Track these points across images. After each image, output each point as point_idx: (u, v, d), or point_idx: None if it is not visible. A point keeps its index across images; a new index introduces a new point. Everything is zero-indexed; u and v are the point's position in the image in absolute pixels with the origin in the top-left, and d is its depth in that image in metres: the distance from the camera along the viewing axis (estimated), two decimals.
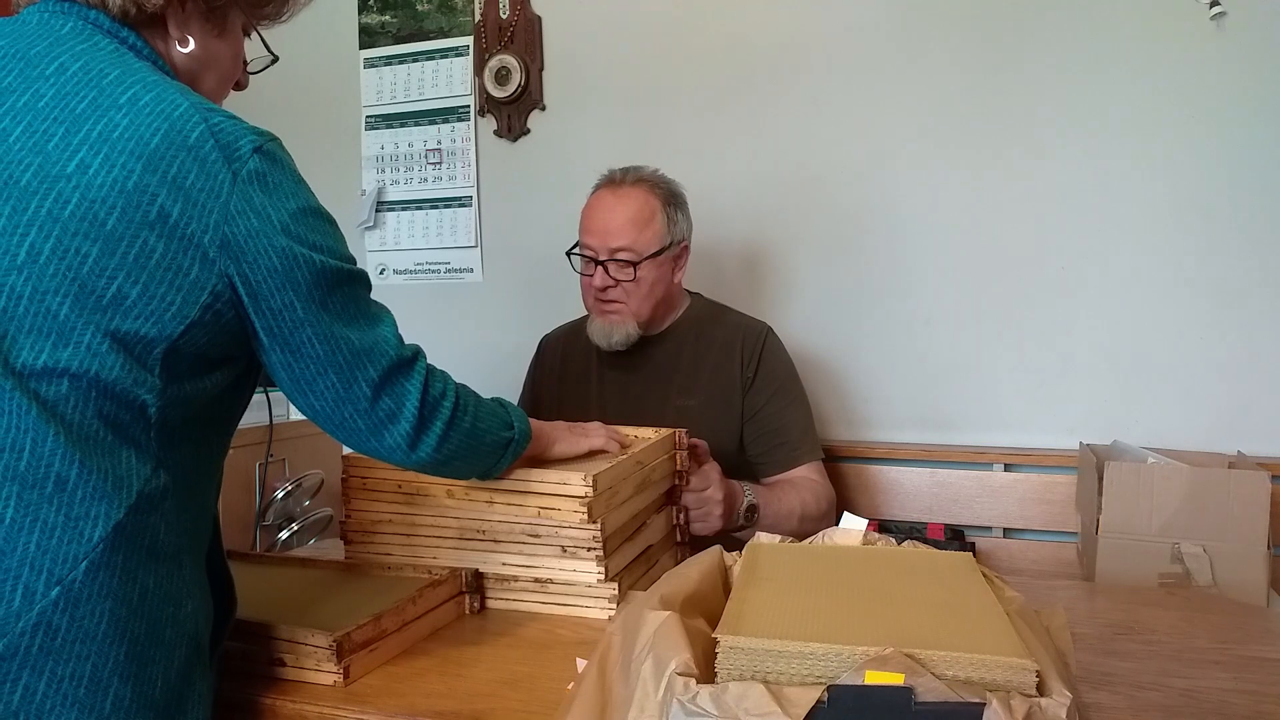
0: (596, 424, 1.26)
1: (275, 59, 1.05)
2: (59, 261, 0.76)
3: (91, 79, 0.81)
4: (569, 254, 1.70)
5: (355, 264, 0.91)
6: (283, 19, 1.04)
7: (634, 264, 1.62)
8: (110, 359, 0.77)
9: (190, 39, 0.91)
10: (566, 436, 1.19)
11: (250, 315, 0.84)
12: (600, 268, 1.63)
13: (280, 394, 2.32)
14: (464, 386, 1.00)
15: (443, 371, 0.98)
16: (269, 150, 0.84)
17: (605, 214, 1.64)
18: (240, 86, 1.03)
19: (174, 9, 0.89)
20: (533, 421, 1.12)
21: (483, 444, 1.02)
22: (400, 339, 0.93)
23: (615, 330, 1.67)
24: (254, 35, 1.02)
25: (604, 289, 1.64)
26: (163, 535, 0.81)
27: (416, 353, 0.94)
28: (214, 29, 0.94)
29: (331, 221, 0.90)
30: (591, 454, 1.21)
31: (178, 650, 0.81)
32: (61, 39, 0.83)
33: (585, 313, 1.83)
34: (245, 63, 1.03)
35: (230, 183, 0.81)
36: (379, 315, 0.92)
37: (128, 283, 0.78)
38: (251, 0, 0.98)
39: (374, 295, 0.94)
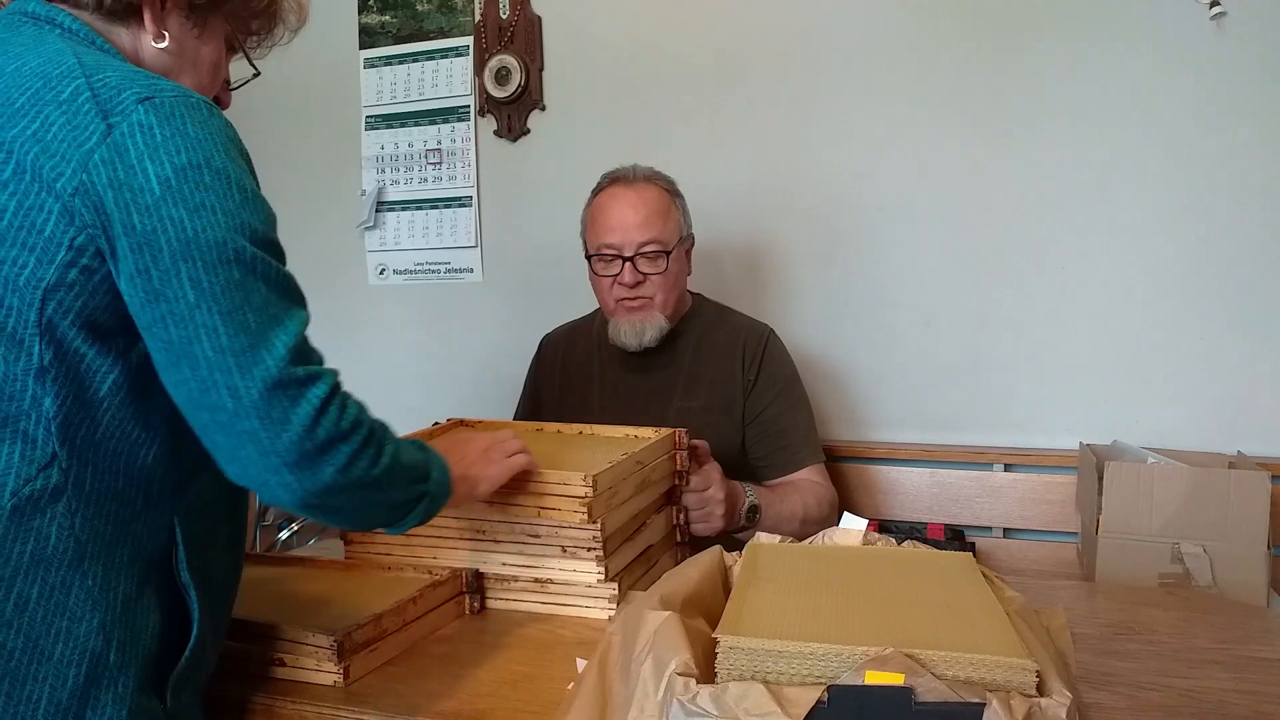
0: (508, 436, 1.12)
1: (257, 74, 1.00)
2: None
3: (13, 70, 0.77)
4: (588, 257, 1.67)
5: (268, 247, 0.79)
6: (273, 41, 1.00)
7: (665, 254, 1.61)
8: None
9: (166, 34, 0.88)
10: (488, 472, 1.06)
11: (116, 277, 0.75)
12: (628, 265, 1.60)
13: None
14: (380, 424, 0.85)
15: (358, 403, 0.82)
16: (162, 103, 0.76)
17: (626, 210, 1.62)
18: (221, 105, 0.97)
19: (150, 1, 0.86)
20: (451, 463, 0.98)
21: (386, 497, 0.86)
22: (298, 353, 0.77)
23: (648, 327, 1.64)
24: (241, 52, 0.98)
25: (635, 285, 1.61)
26: (54, 541, 0.74)
27: (315, 376, 0.77)
28: (194, 28, 0.91)
29: (248, 193, 0.78)
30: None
31: (70, 669, 0.74)
32: (8, 44, 0.81)
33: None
34: (228, 81, 0.99)
35: (103, 134, 0.74)
36: (278, 317, 0.77)
37: None
38: (237, 10, 0.94)
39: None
